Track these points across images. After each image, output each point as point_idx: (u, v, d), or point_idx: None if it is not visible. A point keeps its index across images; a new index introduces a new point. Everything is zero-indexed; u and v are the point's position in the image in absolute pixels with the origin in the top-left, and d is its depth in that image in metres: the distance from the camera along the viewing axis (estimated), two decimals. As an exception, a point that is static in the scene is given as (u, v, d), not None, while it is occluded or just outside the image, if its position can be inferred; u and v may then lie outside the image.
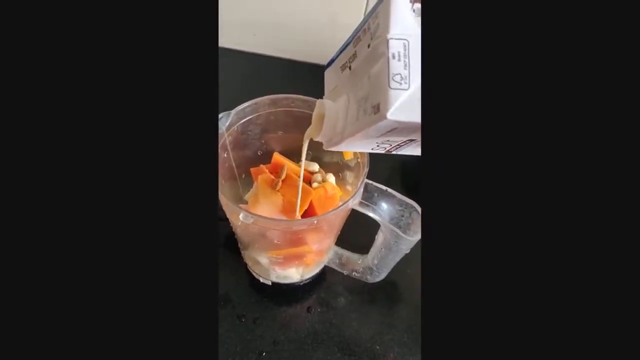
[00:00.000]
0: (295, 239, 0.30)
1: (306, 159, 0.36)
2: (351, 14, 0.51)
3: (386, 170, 0.48)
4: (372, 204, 0.28)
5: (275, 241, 0.30)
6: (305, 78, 0.58)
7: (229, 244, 0.41)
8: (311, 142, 0.35)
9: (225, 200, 0.27)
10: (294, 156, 0.35)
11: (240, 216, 0.25)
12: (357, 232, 0.33)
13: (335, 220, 0.29)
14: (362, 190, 0.28)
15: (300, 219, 0.29)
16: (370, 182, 0.28)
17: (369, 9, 0.50)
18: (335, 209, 0.26)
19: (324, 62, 0.61)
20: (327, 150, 0.35)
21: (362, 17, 0.51)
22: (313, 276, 0.39)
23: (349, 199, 0.27)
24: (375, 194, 0.28)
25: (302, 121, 0.33)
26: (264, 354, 0.36)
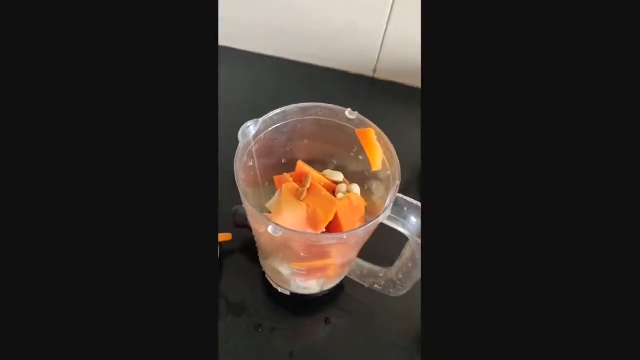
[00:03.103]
0: (321, 252, 0.29)
1: (330, 168, 0.35)
2: (372, 19, 0.51)
3: (404, 176, 0.47)
4: (401, 218, 0.27)
5: (301, 254, 0.29)
6: (326, 83, 0.57)
7: (247, 251, 0.40)
8: (335, 150, 0.35)
9: (251, 209, 0.26)
10: (318, 165, 0.34)
11: (269, 229, 0.25)
12: (378, 244, 0.33)
13: (364, 236, 0.29)
14: (392, 204, 0.27)
15: (330, 234, 0.29)
16: (401, 195, 0.27)
17: (392, 16, 0.49)
18: (366, 224, 0.26)
19: (344, 67, 0.60)
20: (353, 160, 0.34)
21: (384, 24, 0.50)
22: (332, 287, 0.38)
23: (380, 214, 0.26)
24: (405, 208, 0.27)
25: (329, 130, 0.32)
26: (280, 365, 0.35)
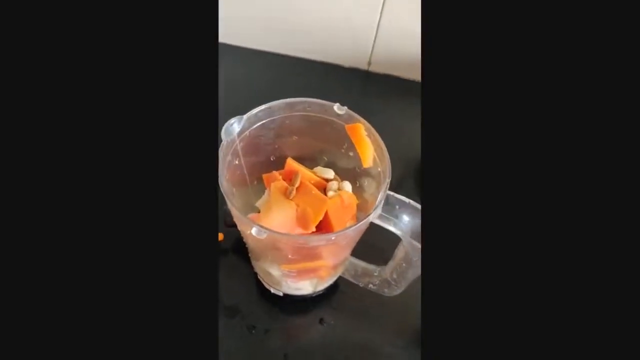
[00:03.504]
0: (311, 254, 0.28)
1: (320, 165, 0.34)
2: (366, 13, 0.49)
3: (399, 173, 0.46)
4: (393, 217, 0.26)
5: (289, 255, 0.28)
6: (320, 77, 0.56)
7: (239, 250, 0.39)
8: (325, 146, 0.34)
9: (236, 212, 0.25)
10: (308, 162, 0.33)
11: (253, 231, 0.24)
12: (373, 240, 0.32)
13: (354, 236, 0.28)
14: (382, 202, 0.26)
15: (317, 235, 0.27)
16: (392, 193, 0.26)
17: (385, 8, 0.48)
18: (355, 224, 0.25)
19: (338, 61, 0.59)
20: (343, 157, 0.33)
21: (377, 17, 0.49)
22: (326, 287, 0.37)
23: (370, 213, 0.25)
24: (397, 206, 0.26)
25: (318, 125, 0.31)
26: (274, 367, 0.34)
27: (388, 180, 0.26)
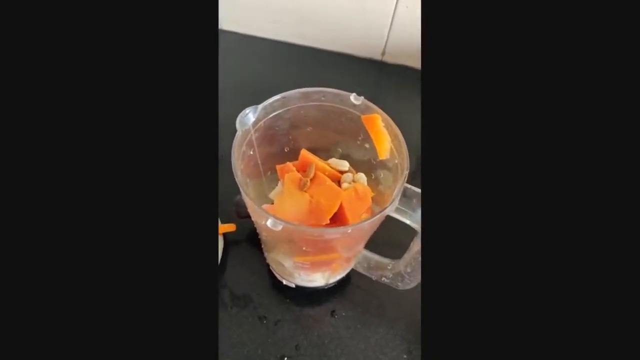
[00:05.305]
0: (324, 246, 0.28)
1: (335, 157, 0.33)
2: (381, 1, 0.48)
3: (413, 166, 0.45)
4: (409, 210, 0.26)
5: (304, 248, 0.28)
6: (332, 68, 0.55)
7: (251, 242, 0.39)
8: (340, 138, 0.33)
9: (250, 203, 0.25)
10: (323, 153, 0.33)
11: (268, 222, 0.23)
12: (386, 233, 0.31)
13: (369, 229, 0.27)
14: (400, 195, 0.25)
15: (333, 228, 0.27)
16: (409, 186, 0.26)
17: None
18: (373, 217, 0.24)
19: (351, 51, 0.58)
20: (359, 148, 0.33)
21: (393, 5, 0.47)
22: (339, 279, 0.37)
23: (388, 206, 0.24)
24: (414, 200, 0.26)
25: (333, 116, 0.31)
26: (285, 358, 0.34)
27: (406, 172, 0.26)
